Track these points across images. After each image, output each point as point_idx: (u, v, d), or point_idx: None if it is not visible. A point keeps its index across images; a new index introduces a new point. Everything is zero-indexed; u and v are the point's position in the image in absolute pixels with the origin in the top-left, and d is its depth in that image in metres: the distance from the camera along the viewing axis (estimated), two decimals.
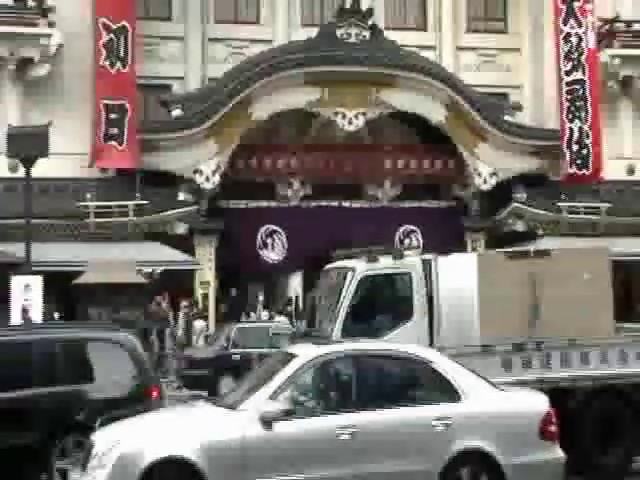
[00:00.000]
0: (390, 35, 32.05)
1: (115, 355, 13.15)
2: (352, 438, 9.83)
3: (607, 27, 33.17)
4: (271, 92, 30.56)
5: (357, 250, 16.16)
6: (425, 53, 32.98)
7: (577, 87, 32.30)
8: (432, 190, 33.24)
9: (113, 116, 29.37)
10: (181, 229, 30.14)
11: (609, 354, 13.99)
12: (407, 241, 31.50)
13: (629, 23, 33.34)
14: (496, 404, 10.43)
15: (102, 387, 12.99)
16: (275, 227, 31.71)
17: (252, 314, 30.19)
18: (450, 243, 26.93)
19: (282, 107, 30.78)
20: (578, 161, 32.16)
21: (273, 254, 31.73)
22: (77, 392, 12.92)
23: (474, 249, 30.85)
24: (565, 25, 32.32)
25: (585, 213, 31.78)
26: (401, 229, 32.23)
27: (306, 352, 10.53)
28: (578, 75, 32.28)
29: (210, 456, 9.56)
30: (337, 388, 10.43)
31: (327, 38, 31.17)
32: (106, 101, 29.38)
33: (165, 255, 28.96)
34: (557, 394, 12.62)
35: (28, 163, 24.24)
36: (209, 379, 23.09)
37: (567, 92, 32.31)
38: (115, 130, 29.38)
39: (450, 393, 10.28)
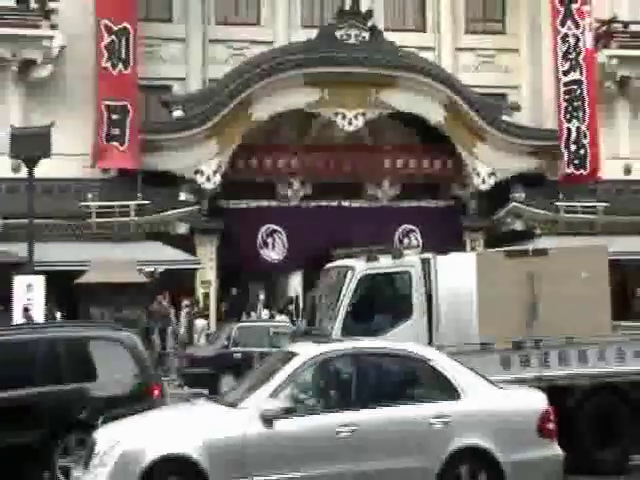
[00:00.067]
0: (389, 36, 32.06)
1: (117, 354, 13.14)
2: (352, 436, 9.82)
3: (604, 28, 33.18)
4: (271, 93, 30.57)
5: (357, 249, 16.17)
6: (424, 54, 32.98)
7: (575, 87, 32.29)
8: (431, 190, 33.25)
9: (115, 117, 29.38)
10: (182, 229, 30.14)
11: (607, 352, 13.99)
12: (406, 240, 31.50)
13: (626, 24, 33.35)
14: (495, 402, 10.42)
15: (104, 385, 12.99)
16: (275, 227, 31.72)
17: (253, 313, 30.19)
18: (449, 242, 26.93)
19: (282, 108, 30.78)
20: (576, 161, 32.16)
21: (273, 253, 31.74)
22: (79, 390, 12.91)
23: (473, 248, 30.85)
24: (563, 26, 32.32)
25: (583, 212, 31.79)
26: (400, 228, 32.23)
27: (306, 351, 10.52)
28: (576, 75, 32.27)
29: (211, 454, 9.55)
30: (337, 386, 10.43)
31: (327, 39, 31.18)
32: (108, 102, 29.39)
33: (166, 255, 28.96)
34: (555, 392, 12.63)
35: (31, 163, 24.27)
36: (210, 377, 23.06)
37: (565, 92, 32.31)
38: (117, 131, 29.39)
39: (449, 391, 10.28)
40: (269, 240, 31.74)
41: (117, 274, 26.71)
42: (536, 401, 10.62)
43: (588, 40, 32.27)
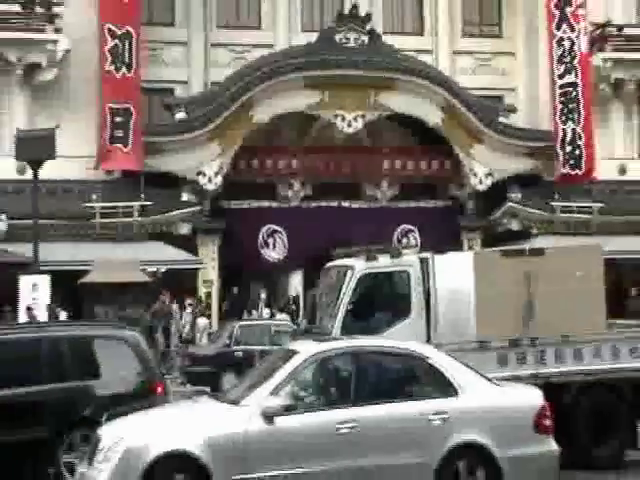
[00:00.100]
0: (388, 39, 32.05)
1: (121, 352, 13.14)
2: (351, 432, 9.82)
3: (599, 31, 33.17)
4: (272, 95, 30.56)
5: (356, 249, 16.16)
6: (422, 57, 32.99)
7: (570, 90, 32.31)
8: (429, 190, 33.25)
9: (118, 119, 29.38)
10: (184, 229, 30.15)
11: (602, 350, 14.01)
12: (405, 240, 31.49)
13: (620, 28, 33.35)
14: (492, 399, 10.42)
15: (108, 383, 12.99)
16: (276, 227, 31.72)
17: (254, 312, 30.18)
18: (447, 242, 26.95)
19: (283, 110, 30.78)
20: (571, 162, 32.18)
21: (274, 253, 31.75)
22: (84, 388, 12.92)
23: (470, 248, 30.83)
24: (558, 30, 32.34)
25: (578, 212, 31.80)
26: (399, 228, 32.22)
27: (307, 349, 10.51)
28: (571, 78, 32.29)
29: (213, 450, 9.55)
30: (337, 384, 10.42)
31: (326, 43, 31.17)
32: (111, 105, 29.38)
33: (169, 254, 28.97)
34: (551, 389, 12.64)
35: (36, 165, 24.22)
36: (212, 375, 23.06)
37: (560, 95, 32.33)
38: (120, 133, 29.38)
39: (447, 388, 10.28)
40: (270, 240, 31.74)
41: (120, 274, 26.70)
42: (532, 398, 10.62)
43: (583, 43, 32.29)
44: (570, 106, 32.25)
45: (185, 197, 30.21)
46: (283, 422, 9.74)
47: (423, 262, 14.95)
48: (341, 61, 30.83)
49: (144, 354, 13.36)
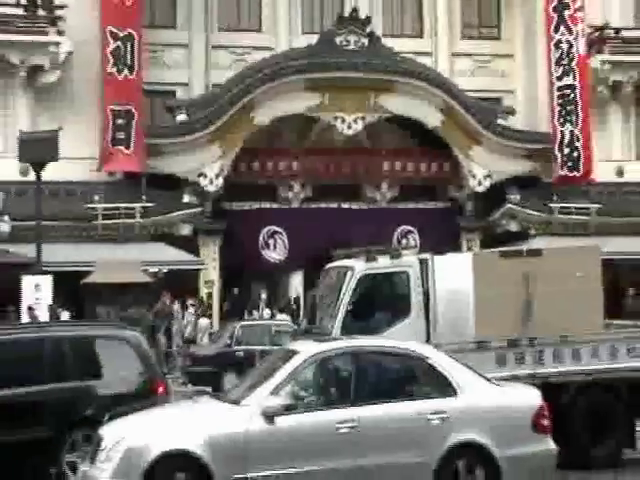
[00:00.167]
0: (387, 42, 32.06)
1: (122, 352, 13.12)
2: (351, 432, 9.81)
3: (597, 34, 33.18)
4: (273, 97, 30.57)
5: (356, 250, 16.14)
6: (421, 59, 32.97)
7: (568, 92, 32.31)
8: (428, 192, 33.25)
9: (120, 121, 29.40)
10: (186, 230, 30.15)
11: (600, 350, 13.99)
12: (404, 241, 31.48)
13: (618, 30, 33.36)
14: (491, 398, 10.41)
15: (110, 383, 12.98)
16: (277, 228, 31.73)
17: (254, 312, 30.17)
18: (446, 243, 26.95)
19: (283, 112, 30.79)
20: (569, 163, 32.18)
21: (275, 254, 31.76)
22: (86, 388, 12.90)
23: (469, 249, 30.83)
24: (556, 32, 32.35)
25: (576, 214, 31.80)
26: (399, 229, 32.23)
27: (307, 349, 10.51)
28: (569, 80, 32.30)
29: (214, 449, 9.54)
30: (337, 383, 10.41)
31: (327, 45, 31.17)
32: (113, 106, 29.41)
33: (170, 255, 28.97)
34: (550, 389, 12.63)
35: (38, 167, 24.25)
36: (213, 375, 23.05)
37: (558, 97, 32.34)
38: (122, 135, 29.41)
39: (446, 388, 10.26)
40: (270, 241, 31.75)
41: (122, 274, 26.71)
42: (531, 397, 10.61)
43: (581, 46, 32.30)
44: (568, 108, 32.26)
45: (186, 198, 30.21)
46: (283, 422, 9.73)
47: (422, 263, 14.94)
48: (341, 63, 30.83)
49: (145, 354, 13.35)
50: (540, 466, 10.31)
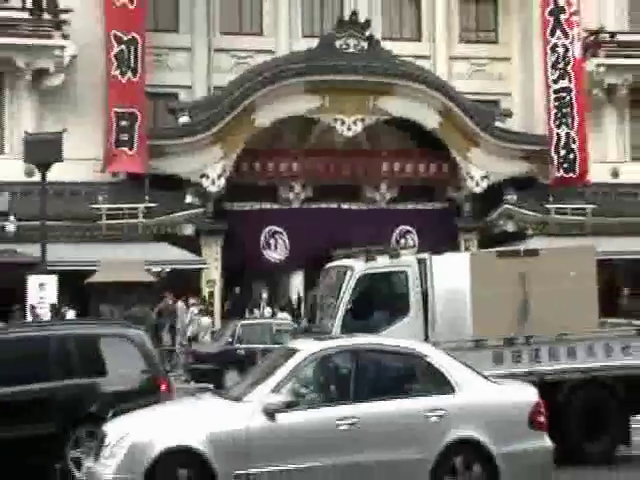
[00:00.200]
0: (387, 45, 32.06)
1: (126, 350, 13.14)
2: (351, 428, 9.82)
3: (592, 38, 33.17)
4: (273, 100, 30.58)
5: (356, 250, 16.16)
6: (420, 62, 32.97)
7: (564, 95, 32.31)
8: (427, 192, 33.26)
9: (124, 123, 29.40)
10: (188, 230, 30.15)
11: (595, 348, 14.01)
12: (403, 241, 31.48)
13: (613, 34, 33.35)
14: (488, 396, 10.42)
15: (114, 380, 12.99)
16: (277, 228, 31.73)
17: (256, 311, 30.17)
18: (444, 243, 26.91)
19: (284, 114, 30.80)
20: (565, 165, 32.18)
21: (276, 254, 31.76)
22: (90, 385, 12.92)
23: (467, 249, 30.83)
24: (552, 36, 32.34)
25: (572, 214, 31.80)
26: (398, 230, 32.23)
27: (307, 347, 10.52)
28: (565, 83, 32.30)
29: (216, 446, 9.55)
30: (337, 381, 10.42)
31: (327, 48, 31.17)
32: (117, 109, 29.40)
33: (173, 255, 28.97)
34: (546, 386, 12.66)
35: (43, 168, 24.27)
36: (215, 373, 23.06)
37: (554, 99, 32.34)
38: (126, 136, 29.41)
39: (444, 385, 10.27)
40: (271, 241, 31.76)
41: (126, 274, 26.70)
42: (527, 395, 10.62)
43: (577, 50, 32.30)
44: (564, 111, 32.27)
45: (189, 199, 30.22)
46: (284, 418, 9.74)
47: (421, 262, 14.97)
48: (341, 66, 30.84)
49: (149, 352, 13.36)
50: (536, 462, 10.31)
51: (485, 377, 10.68)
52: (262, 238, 31.61)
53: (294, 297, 31.38)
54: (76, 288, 26.49)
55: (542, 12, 32.54)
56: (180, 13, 33.10)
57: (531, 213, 31.84)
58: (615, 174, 33.26)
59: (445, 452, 9.98)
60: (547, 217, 31.78)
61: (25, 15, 30.02)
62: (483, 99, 33.30)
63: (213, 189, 30.39)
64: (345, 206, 32.44)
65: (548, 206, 31.81)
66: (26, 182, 28.16)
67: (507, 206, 31.83)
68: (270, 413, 9.71)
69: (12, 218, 28.02)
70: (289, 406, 9.81)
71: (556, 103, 32.30)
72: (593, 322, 14.44)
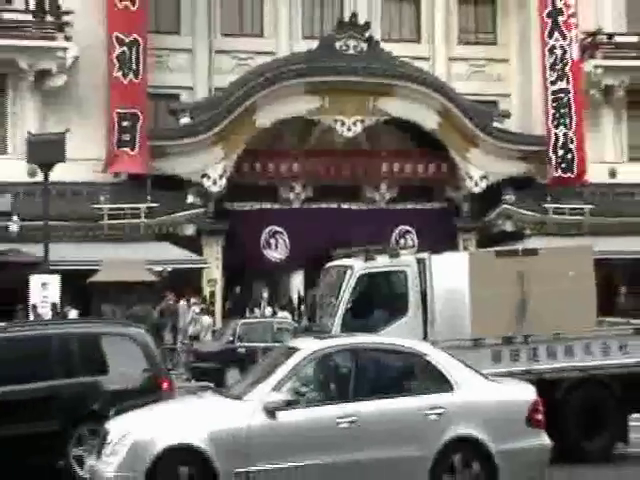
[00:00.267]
0: (386, 47, 32.04)
1: (128, 349, 13.13)
2: (351, 426, 9.82)
3: (590, 39, 33.16)
4: (274, 101, 30.57)
5: (355, 249, 16.15)
6: (419, 64, 32.96)
7: (562, 96, 32.31)
8: (426, 193, 33.26)
9: (125, 124, 29.40)
10: (189, 230, 30.15)
11: (592, 346, 14.00)
12: (402, 241, 31.49)
13: (610, 36, 33.36)
14: (487, 394, 10.42)
15: (115, 379, 12.98)
16: (278, 228, 31.72)
17: (256, 310, 30.17)
18: (443, 243, 26.90)
19: (284, 115, 30.79)
20: (563, 165, 32.18)
21: (276, 253, 31.76)
22: (92, 383, 12.92)
23: (466, 248, 30.81)
24: (550, 38, 32.33)
25: (570, 214, 31.79)
26: (397, 229, 32.22)
27: (307, 346, 10.52)
28: (563, 84, 32.29)
29: (217, 444, 9.55)
30: (337, 380, 10.42)
31: (327, 50, 31.17)
32: (119, 109, 29.41)
33: (174, 255, 28.96)
34: (544, 385, 12.64)
35: (46, 168, 24.29)
36: (216, 371, 23.05)
37: (552, 100, 32.34)
38: (127, 137, 29.42)
39: (443, 384, 10.27)
40: (272, 241, 31.75)
41: (128, 273, 26.70)
42: (526, 393, 10.62)
43: (574, 51, 32.28)
44: (562, 111, 32.26)
45: (190, 199, 30.21)
46: (285, 417, 9.74)
47: (420, 262, 14.96)
48: (341, 68, 30.84)
49: (150, 351, 13.35)
50: (534, 460, 10.32)
51: (484, 376, 10.68)
52: (263, 238, 31.61)
53: (294, 296, 31.36)
54: (78, 288, 26.49)
55: (540, 14, 32.53)
56: (181, 15, 33.09)
57: (529, 213, 31.84)
58: (613, 174, 33.25)
59: (444, 450, 9.98)
60: (545, 217, 31.78)
61: (28, 17, 30.01)
62: (482, 100, 33.29)
63: (214, 189, 30.39)
64: (345, 206, 32.44)
65: (546, 206, 31.82)
66: (29, 182, 28.16)
67: (505, 206, 31.82)
68: (271, 411, 9.71)
69: (15, 218, 28.03)
70: (289, 404, 9.81)
71: (554, 104, 32.30)
72: (591, 321, 14.44)
